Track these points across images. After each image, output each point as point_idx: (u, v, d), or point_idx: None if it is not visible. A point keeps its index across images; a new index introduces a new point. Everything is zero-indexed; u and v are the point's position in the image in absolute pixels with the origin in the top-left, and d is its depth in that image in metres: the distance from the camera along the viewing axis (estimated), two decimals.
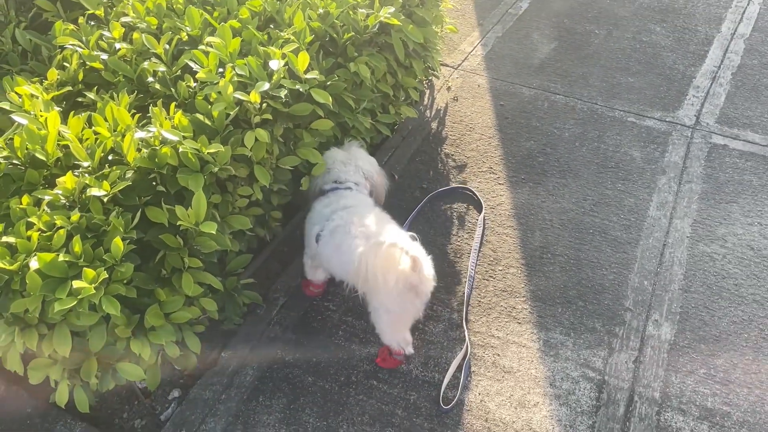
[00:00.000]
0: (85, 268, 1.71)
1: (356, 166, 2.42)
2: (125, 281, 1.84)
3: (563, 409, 2.18)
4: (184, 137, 2.01)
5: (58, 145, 2.01)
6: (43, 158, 1.96)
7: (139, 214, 1.92)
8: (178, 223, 1.92)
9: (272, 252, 2.79)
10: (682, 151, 3.24)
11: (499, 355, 2.35)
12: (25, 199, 1.87)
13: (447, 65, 3.91)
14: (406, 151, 3.29)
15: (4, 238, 1.75)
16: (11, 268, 1.69)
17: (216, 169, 2.02)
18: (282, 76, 2.23)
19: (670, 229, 2.81)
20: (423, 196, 3.01)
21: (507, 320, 2.47)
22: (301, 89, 2.26)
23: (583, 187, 3.04)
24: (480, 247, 2.73)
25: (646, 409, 2.16)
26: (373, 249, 1.90)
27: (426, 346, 2.39)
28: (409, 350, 2.29)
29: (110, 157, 2.04)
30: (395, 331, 2.19)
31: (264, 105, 2.20)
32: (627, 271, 2.63)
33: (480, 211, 2.88)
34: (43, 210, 1.85)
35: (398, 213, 2.90)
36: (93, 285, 1.68)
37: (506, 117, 3.49)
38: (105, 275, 1.71)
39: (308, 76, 2.27)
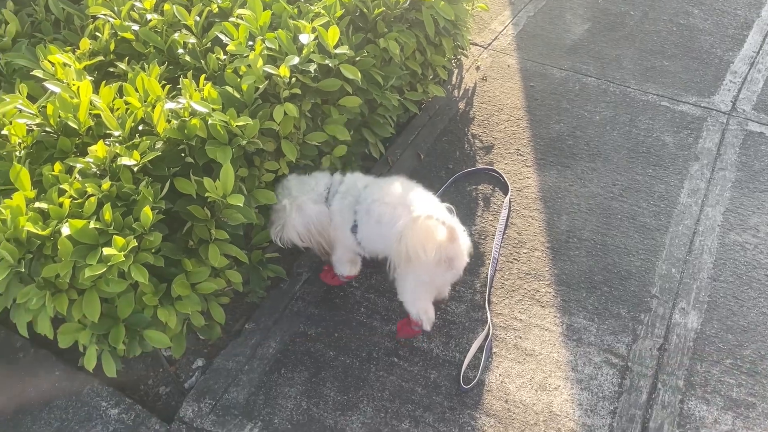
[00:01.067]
0: (115, 236, 1.73)
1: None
2: (153, 250, 1.87)
3: (584, 394, 2.16)
4: (213, 110, 2.01)
5: (90, 114, 2.03)
6: (75, 126, 1.99)
7: (168, 184, 1.94)
8: (206, 194, 1.93)
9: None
10: (717, 137, 3.16)
11: (521, 337, 2.34)
12: (57, 166, 1.90)
13: (477, 44, 3.85)
14: (433, 130, 3.26)
15: (37, 204, 1.78)
16: (43, 233, 1.73)
17: (244, 143, 2.02)
18: (312, 50, 2.22)
19: (701, 216, 2.75)
20: (448, 176, 2.99)
21: (530, 303, 2.45)
22: (330, 64, 2.25)
23: (612, 171, 2.99)
24: (505, 230, 2.71)
25: (670, 397, 2.14)
26: (410, 223, 1.90)
27: (447, 326, 2.39)
28: (427, 327, 2.24)
29: (140, 128, 2.06)
30: (418, 298, 2.18)
31: (293, 79, 2.19)
32: (655, 258, 2.59)
33: (506, 193, 2.85)
34: (75, 178, 1.88)
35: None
36: (122, 252, 1.71)
37: (536, 98, 3.44)
38: (134, 243, 1.74)
39: (338, 51, 2.26)
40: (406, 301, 2.22)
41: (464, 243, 2.04)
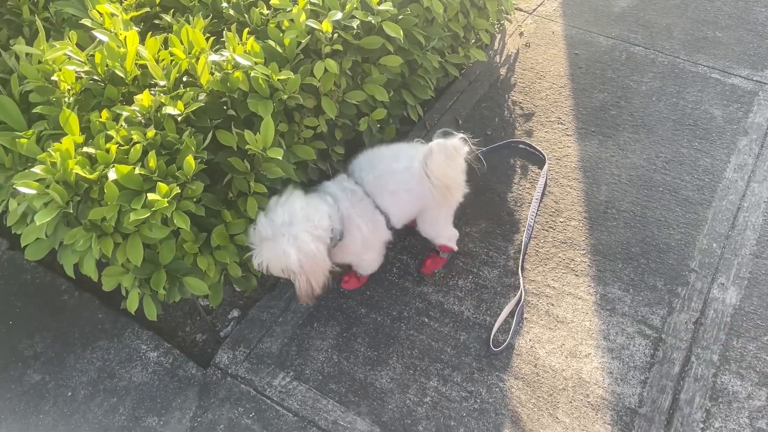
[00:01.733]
0: (159, 183, 1.78)
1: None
2: (195, 199, 1.91)
3: (615, 363, 2.15)
4: (256, 63, 2.02)
5: (136, 64, 2.06)
6: (122, 75, 2.02)
7: (210, 135, 1.97)
8: (246, 147, 1.96)
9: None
10: None
11: (553, 304, 2.33)
12: (105, 113, 1.94)
13: (521, 9, 3.76)
14: (472, 96, 3.22)
15: (85, 149, 1.84)
16: (91, 177, 1.78)
17: (285, 97, 2.03)
18: (355, 6, 2.20)
19: (747, 192, 2.67)
20: (485, 142, 2.95)
21: (564, 271, 2.43)
22: (373, 21, 2.23)
23: (656, 143, 2.91)
24: (542, 198, 2.67)
25: (703, 371, 2.12)
26: (431, 157, 1.97)
27: (479, 290, 2.39)
28: (456, 246, 2.42)
29: (184, 79, 2.09)
30: (449, 225, 2.33)
31: (335, 35, 2.18)
32: (696, 232, 2.53)
33: (542, 167, 2.80)
34: (121, 125, 1.92)
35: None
36: (166, 199, 1.75)
37: (580, 67, 3.35)
38: (177, 191, 1.78)
39: (381, 7, 2.23)
40: (439, 235, 2.32)
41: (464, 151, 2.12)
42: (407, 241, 2.55)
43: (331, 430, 2.03)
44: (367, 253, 2.21)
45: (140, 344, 2.28)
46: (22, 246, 1.92)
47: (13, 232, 2.15)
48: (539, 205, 2.65)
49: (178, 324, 2.43)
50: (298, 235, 1.83)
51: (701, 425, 1.99)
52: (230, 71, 2.03)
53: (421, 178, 2.05)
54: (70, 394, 2.16)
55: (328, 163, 2.52)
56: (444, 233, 2.35)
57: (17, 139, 1.87)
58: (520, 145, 2.93)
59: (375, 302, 2.37)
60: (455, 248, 2.43)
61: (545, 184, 2.72)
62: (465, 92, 3.23)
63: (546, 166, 2.77)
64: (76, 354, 2.26)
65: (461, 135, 2.07)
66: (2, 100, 1.95)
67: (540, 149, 2.87)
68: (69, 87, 1.99)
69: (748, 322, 2.23)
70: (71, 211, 1.76)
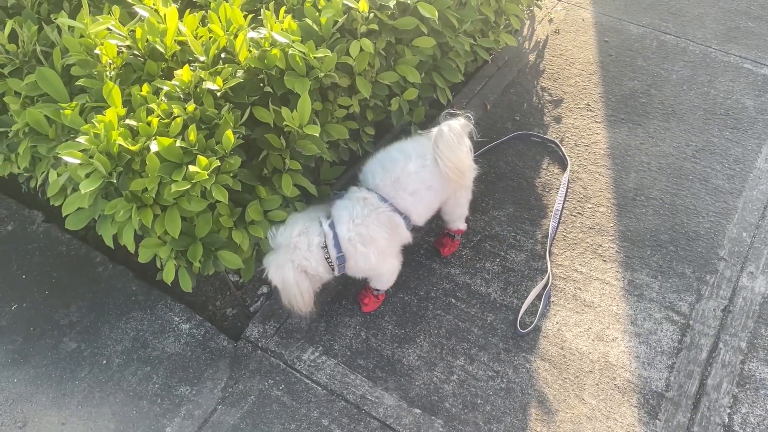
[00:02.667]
0: (198, 156, 1.81)
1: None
2: (232, 174, 1.94)
3: (642, 347, 2.16)
4: (293, 41, 2.04)
5: (175, 40, 2.10)
6: (162, 51, 2.06)
7: (248, 111, 2.00)
8: (284, 124, 1.99)
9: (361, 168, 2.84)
10: None
11: (580, 289, 2.34)
12: (146, 87, 1.97)
13: None
14: (501, 81, 3.22)
15: (127, 121, 1.87)
16: (133, 148, 1.82)
17: (322, 75, 2.05)
18: None
19: None
20: (513, 128, 2.96)
21: (592, 257, 2.44)
22: (408, 2, 2.24)
23: (687, 132, 2.89)
24: (566, 194, 2.67)
25: (731, 357, 2.12)
26: (439, 145, 1.99)
27: (506, 273, 2.41)
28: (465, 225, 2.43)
29: (222, 56, 2.11)
30: (465, 206, 2.33)
31: (371, 15, 2.19)
32: (725, 221, 2.52)
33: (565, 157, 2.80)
34: (161, 99, 1.96)
35: (487, 144, 2.88)
36: (206, 172, 1.79)
37: (610, 54, 3.33)
38: (217, 164, 1.81)
39: None
40: (460, 217, 2.34)
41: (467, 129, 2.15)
42: (434, 223, 2.57)
43: (359, 404, 2.07)
44: (384, 264, 2.13)
45: (173, 316, 2.33)
46: (64, 215, 1.97)
47: (51, 203, 2.20)
48: (567, 190, 2.65)
49: (208, 298, 2.47)
50: (283, 264, 1.95)
51: (728, 410, 2.00)
52: (268, 48, 2.05)
53: (439, 172, 2.04)
54: (104, 362, 2.22)
55: (358, 143, 2.54)
56: (463, 216, 2.36)
57: (61, 111, 1.91)
58: (533, 137, 2.91)
59: (403, 282, 2.39)
60: (465, 228, 2.43)
61: (567, 186, 2.72)
62: (494, 77, 3.23)
63: (567, 171, 2.76)
64: (111, 324, 2.32)
65: (464, 113, 2.09)
66: (46, 72, 2.00)
67: (552, 139, 2.86)
68: (110, 61, 2.03)
69: None
70: (114, 181, 1.79)
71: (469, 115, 2.10)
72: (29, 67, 2.12)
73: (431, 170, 2.05)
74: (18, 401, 2.14)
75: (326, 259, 1.98)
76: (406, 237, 2.13)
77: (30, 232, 2.63)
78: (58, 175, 2.02)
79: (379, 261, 2.06)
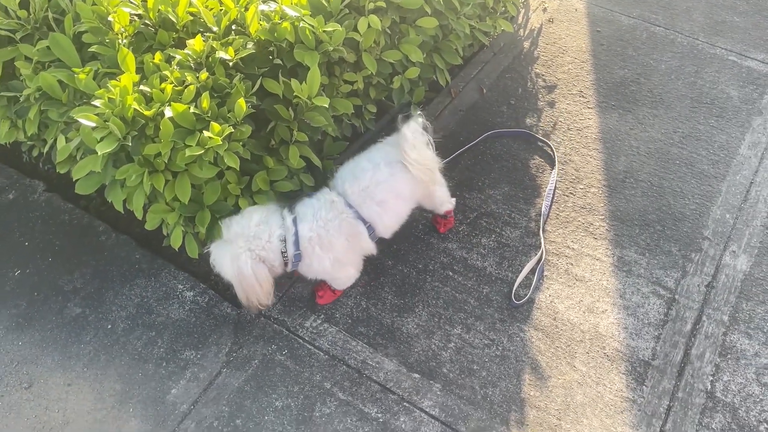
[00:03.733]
0: (212, 123, 1.86)
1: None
2: (242, 143, 1.99)
3: (630, 319, 2.27)
4: (303, 15, 2.10)
5: (186, 11, 2.13)
6: (174, 20, 2.10)
7: (258, 82, 2.05)
8: (294, 95, 2.04)
9: (362, 144, 2.90)
10: None
11: (572, 264, 2.44)
12: (158, 56, 2.01)
13: None
14: (496, 66, 3.30)
15: (141, 87, 1.91)
16: (147, 113, 1.86)
17: (331, 48, 2.11)
18: None
19: (760, 168, 2.78)
20: (509, 111, 3.05)
21: (583, 234, 2.54)
22: None
23: (674, 119, 3.01)
24: (554, 191, 2.77)
25: (713, 329, 2.23)
26: (406, 151, 2.00)
27: (501, 248, 2.49)
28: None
29: (233, 28, 2.16)
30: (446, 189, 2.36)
31: None
32: (710, 203, 2.64)
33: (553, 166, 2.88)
34: (174, 68, 2.00)
35: (482, 128, 2.97)
36: (220, 137, 1.84)
37: (601, 44, 3.43)
38: (230, 130, 1.86)
39: None
40: (442, 205, 2.38)
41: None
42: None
43: (360, 369, 2.14)
44: (339, 272, 2.15)
45: (177, 284, 2.37)
46: (74, 179, 2.00)
47: (57, 171, 2.23)
48: (556, 173, 2.75)
49: (210, 269, 2.51)
50: (239, 253, 1.89)
51: (710, 378, 2.11)
52: (278, 21, 2.10)
53: (409, 180, 2.07)
54: (109, 326, 2.26)
55: (360, 120, 2.60)
56: (445, 202, 2.38)
57: (75, 76, 1.94)
58: (504, 134, 2.95)
59: (401, 255, 2.47)
60: (452, 207, 2.46)
61: (554, 190, 2.81)
62: (489, 63, 3.31)
63: (555, 171, 2.83)
64: (115, 290, 2.36)
65: (418, 113, 2.09)
66: (58, 37, 2.02)
67: (554, 150, 2.95)
68: (122, 29, 2.06)
69: (757, 287, 2.35)
70: (129, 143, 1.83)
71: (421, 113, 2.11)
72: (40, 34, 2.14)
73: (401, 177, 2.06)
74: (23, 363, 2.18)
75: (282, 253, 1.95)
76: (369, 247, 2.11)
77: (31, 201, 2.65)
78: (68, 140, 2.05)
79: (334, 268, 2.06)
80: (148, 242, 2.52)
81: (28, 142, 2.45)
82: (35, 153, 2.55)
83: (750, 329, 2.23)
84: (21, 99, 2.08)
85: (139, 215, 2.08)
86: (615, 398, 2.07)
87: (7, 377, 2.14)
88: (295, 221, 1.98)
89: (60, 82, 1.99)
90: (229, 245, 1.93)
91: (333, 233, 1.99)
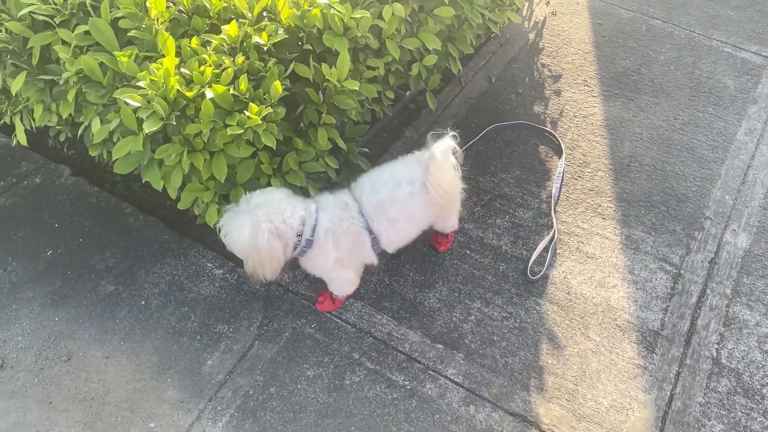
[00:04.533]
0: (250, 104, 1.95)
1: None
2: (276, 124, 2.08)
3: (639, 293, 2.40)
4: (332, 2, 2.20)
5: None
6: (208, 6, 2.18)
7: (291, 67, 2.14)
8: (326, 79, 2.14)
9: (378, 131, 3.01)
10: None
11: (583, 242, 2.57)
12: (195, 40, 2.10)
13: None
14: (503, 57, 3.42)
15: (182, 69, 2.00)
16: (189, 94, 1.95)
17: (359, 34, 2.21)
18: None
19: (756, 153, 2.93)
20: (517, 99, 3.17)
21: (592, 215, 2.67)
22: None
23: (674, 107, 3.15)
24: (561, 186, 2.89)
25: (717, 301, 2.37)
26: (429, 170, 1.97)
27: (516, 228, 2.61)
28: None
29: (265, 14, 2.25)
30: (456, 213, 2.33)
31: None
32: (710, 185, 2.78)
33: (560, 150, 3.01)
34: (211, 52, 2.09)
35: (492, 115, 3.09)
36: (259, 117, 1.93)
37: (603, 36, 3.57)
38: (269, 110, 1.96)
39: None
40: (451, 227, 2.40)
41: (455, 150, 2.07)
42: None
43: (387, 341, 2.25)
44: (339, 272, 2.14)
45: (206, 263, 2.46)
46: (114, 159, 2.08)
47: (90, 153, 2.31)
48: (564, 157, 2.87)
49: None
50: (259, 222, 1.86)
51: (716, 346, 2.25)
52: (308, 9, 2.20)
53: (426, 202, 2.04)
54: (143, 302, 2.34)
55: (380, 106, 2.70)
56: (454, 225, 2.41)
57: (117, 59, 2.02)
58: (506, 126, 3.05)
59: (420, 235, 2.57)
60: (456, 228, 2.46)
61: (563, 174, 2.94)
62: (497, 53, 3.43)
63: (563, 158, 2.98)
64: (146, 269, 2.44)
65: (451, 133, 2.02)
66: (98, 22, 2.10)
67: (559, 137, 3.08)
68: (159, 15, 2.14)
69: (756, 263, 2.50)
70: (173, 122, 1.92)
71: (455, 134, 2.03)
72: (77, 19, 2.22)
73: (418, 199, 2.04)
74: (61, 338, 2.25)
75: (297, 235, 1.95)
76: (371, 257, 2.13)
77: (58, 185, 2.72)
78: (104, 122, 2.13)
79: (335, 267, 2.08)
80: (173, 224, 2.61)
81: (57, 127, 2.53)
82: (62, 138, 2.62)
83: (751, 301, 2.38)
84: (60, 82, 2.16)
85: (173, 194, 2.17)
86: (628, 365, 2.20)
87: (46, 351, 2.22)
88: (317, 210, 2.01)
89: (101, 65, 2.07)
90: (247, 214, 1.89)
91: (341, 233, 2.01)
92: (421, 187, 2.02)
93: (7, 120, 2.54)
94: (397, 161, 2.15)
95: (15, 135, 2.46)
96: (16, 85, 2.20)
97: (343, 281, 2.22)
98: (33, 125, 2.53)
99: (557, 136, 2.96)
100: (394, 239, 2.13)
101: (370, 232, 2.06)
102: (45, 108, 2.36)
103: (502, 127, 3.02)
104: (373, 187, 2.06)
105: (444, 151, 1.98)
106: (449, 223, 2.38)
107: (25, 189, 2.71)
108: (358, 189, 2.10)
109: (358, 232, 2.04)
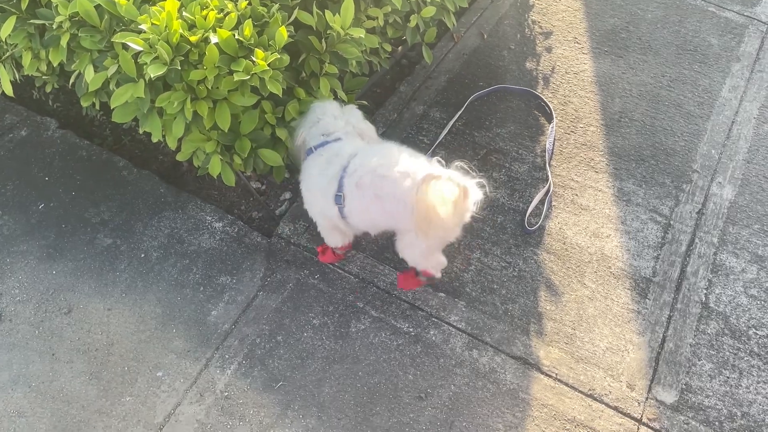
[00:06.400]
0: (256, 49, 1.92)
1: (347, 122, 2.12)
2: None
3: (632, 242, 2.48)
4: None
5: None
6: None
7: (295, 13, 2.10)
8: (329, 25, 2.11)
9: (371, 86, 2.99)
10: (757, 43, 3.37)
11: (577, 195, 2.63)
12: None
13: None
14: (494, 13, 3.41)
15: (184, 14, 1.95)
16: (193, 39, 1.90)
17: None
18: None
19: (740, 109, 3.02)
20: (509, 55, 3.18)
21: (585, 168, 2.72)
22: None
23: (661, 64, 3.21)
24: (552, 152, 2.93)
25: (705, 249, 2.47)
26: (423, 187, 1.76)
27: (512, 182, 2.66)
28: (439, 275, 2.25)
29: None
30: (431, 256, 2.12)
31: None
32: (697, 140, 2.87)
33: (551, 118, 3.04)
34: None
35: (485, 71, 3.10)
36: (265, 63, 1.90)
37: None
38: (275, 56, 1.93)
39: None
40: (414, 261, 2.13)
41: (474, 198, 1.88)
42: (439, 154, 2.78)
43: (389, 290, 2.29)
44: (310, 204, 2.14)
45: (205, 216, 2.44)
46: (112, 107, 2.03)
47: (82, 104, 2.25)
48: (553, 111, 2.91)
49: (233, 203, 2.59)
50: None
51: (704, 291, 2.35)
52: None
53: (402, 199, 1.85)
54: (143, 255, 2.32)
55: (378, 58, 2.68)
56: (427, 261, 2.14)
57: (116, 0, 1.95)
58: (538, 99, 3.13)
59: None
60: (438, 276, 2.25)
61: (553, 143, 2.98)
62: (488, 9, 3.42)
63: (554, 123, 3.01)
64: (144, 222, 2.41)
65: (477, 180, 1.87)
66: None
67: (549, 104, 3.10)
68: None
69: (741, 214, 2.60)
70: (178, 67, 1.88)
71: (484, 183, 1.89)
72: None
73: (398, 193, 1.85)
74: (60, 290, 2.22)
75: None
76: (330, 209, 2.03)
77: (46, 138, 2.64)
78: (99, 69, 2.07)
79: (307, 193, 2.12)
80: (167, 178, 2.57)
81: (43, 77, 2.44)
82: (49, 89, 2.53)
83: (737, 249, 2.48)
84: (53, 27, 2.07)
85: (173, 145, 2.13)
86: (622, 310, 2.29)
87: (45, 304, 2.19)
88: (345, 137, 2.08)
89: (97, 7, 1.99)
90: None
91: (328, 167, 1.99)
92: (410, 186, 1.83)
93: None
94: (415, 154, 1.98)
95: None
96: (5, 30, 2.11)
97: (316, 218, 2.18)
98: (16, 75, 2.44)
99: (538, 94, 2.98)
100: (356, 219, 2.00)
101: (339, 186, 1.95)
102: (34, 56, 2.27)
103: (484, 95, 2.96)
104: (378, 152, 1.97)
105: (460, 175, 1.81)
106: (415, 254, 2.08)
107: (10, 142, 2.62)
108: (363, 151, 2.01)
109: (331, 177, 1.97)
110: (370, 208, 1.95)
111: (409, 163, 1.88)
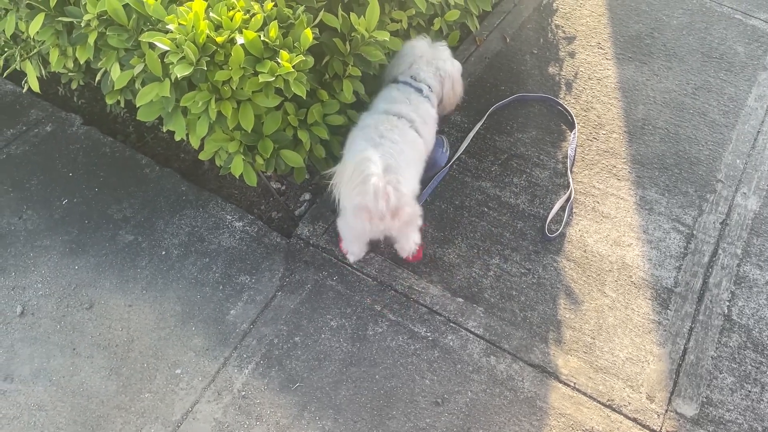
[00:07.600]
0: (281, 51, 1.92)
1: (437, 68, 2.36)
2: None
3: (654, 252, 2.45)
4: None
5: None
6: None
7: (320, 15, 2.10)
8: (354, 28, 2.11)
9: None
10: None
11: (598, 202, 2.60)
12: None
13: None
14: (518, 17, 3.39)
15: (211, 14, 1.96)
16: (219, 39, 1.91)
17: None
18: None
19: (766, 119, 2.97)
20: (532, 60, 3.16)
21: (608, 176, 2.70)
22: None
23: (686, 72, 3.17)
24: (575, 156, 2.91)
25: (728, 261, 2.43)
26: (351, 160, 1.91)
27: (533, 188, 2.64)
28: (351, 259, 2.34)
29: None
30: (345, 238, 2.28)
31: None
32: (721, 149, 2.83)
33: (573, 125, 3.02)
34: None
35: (508, 75, 3.08)
36: (290, 64, 1.90)
37: None
38: (301, 57, 1.93)
39: None
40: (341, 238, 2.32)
41: (396, 201, 1.90)
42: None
43: (408, 294, 2.28)
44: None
45: (225, 215, 2.45)
46: (137, 105, 2.04)
47: (107, 101, 2.27)
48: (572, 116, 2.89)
49: (253, 203, 2.60)
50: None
51: (727, 303, 2.32)
52: None
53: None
54: (163, 253, 2.33)
55: None
56: (343, 240, 2.33)
57: (143, 1, 1.97)
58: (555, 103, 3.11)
59: (438, 192, 2.59)
60: (348, 258, 2.36)
61: (575, 147, 2.95)
62: (511, 13, 3.40)
63: (576, 131, 2.98)
64: (165, 219, 2.42)
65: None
66: None
67: (567, 108, 3.08)
68: None
69: (766, 225, 2.56)
70: (204, 67, 1.89)
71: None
72: None
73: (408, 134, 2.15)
74: (81, 286, 2.25)
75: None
76: None
77: (70, 134, 2.67)
78: (125, 68, 2.08)
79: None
80: (189, 177, 2.59)
81: (69, 74, 2.47)
82: (74, 85, 2.56)
83: (761, 261, 2.44)
84: (82, 24, 2.09)
85: (195, 144, 2.15)
86: (643, 320, 2.26)
87: (67, 299, 2.21)
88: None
89: (125, 6, 2.01)
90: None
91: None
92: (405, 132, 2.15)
93: (17, 66, 2.47)
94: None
95: (26, 81, 2.40)
96: (33, 27, 2.13)
97: None
98: (43, 72, 2.47)
99: (559, 101, 2.96)
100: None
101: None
102: (61, 53, 2.30)
103: (504, 106, 2.94)
104: (388, 99, 2.26)
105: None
106: (339, 222, 2.22)
107: (36, 137, 2.66)
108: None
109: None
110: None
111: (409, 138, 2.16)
